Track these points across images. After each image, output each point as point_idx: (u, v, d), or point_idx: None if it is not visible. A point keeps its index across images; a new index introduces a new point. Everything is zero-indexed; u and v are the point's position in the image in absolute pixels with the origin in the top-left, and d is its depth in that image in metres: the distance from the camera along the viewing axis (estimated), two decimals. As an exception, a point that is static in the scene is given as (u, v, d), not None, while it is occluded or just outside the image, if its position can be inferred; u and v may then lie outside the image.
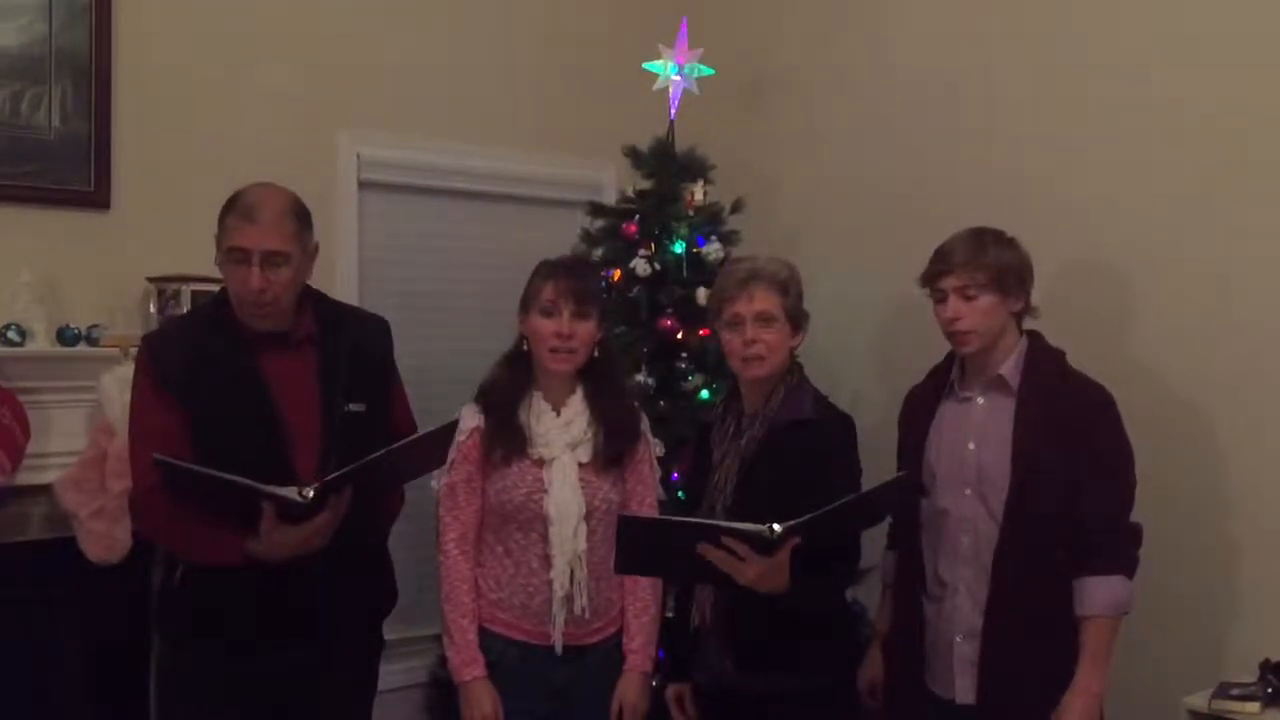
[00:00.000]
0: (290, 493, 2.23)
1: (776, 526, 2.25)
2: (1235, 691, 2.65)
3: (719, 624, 2.61)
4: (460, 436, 2.62)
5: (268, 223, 2.38)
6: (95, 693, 3.29)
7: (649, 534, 2.44)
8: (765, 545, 2.28)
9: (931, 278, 2.60)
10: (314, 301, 2.56)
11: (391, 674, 2.73)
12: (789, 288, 2.64)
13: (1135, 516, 2.54)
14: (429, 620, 2.81)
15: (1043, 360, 2.59)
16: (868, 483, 2.56)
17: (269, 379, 2.43)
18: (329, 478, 2.27)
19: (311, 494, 2.23)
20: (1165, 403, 3.04)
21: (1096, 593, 2.47)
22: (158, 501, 2.36)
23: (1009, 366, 2.58)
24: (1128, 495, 2.53)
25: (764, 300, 2.60)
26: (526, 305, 2.68)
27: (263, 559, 2.31)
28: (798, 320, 2.66)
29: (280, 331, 2.47)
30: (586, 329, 2.65)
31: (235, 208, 2.41)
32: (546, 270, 2.69)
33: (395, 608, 2.70)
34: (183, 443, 2.34)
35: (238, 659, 2.42)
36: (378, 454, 2.30)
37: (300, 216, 2.46)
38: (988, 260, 2.54)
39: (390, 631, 2.76)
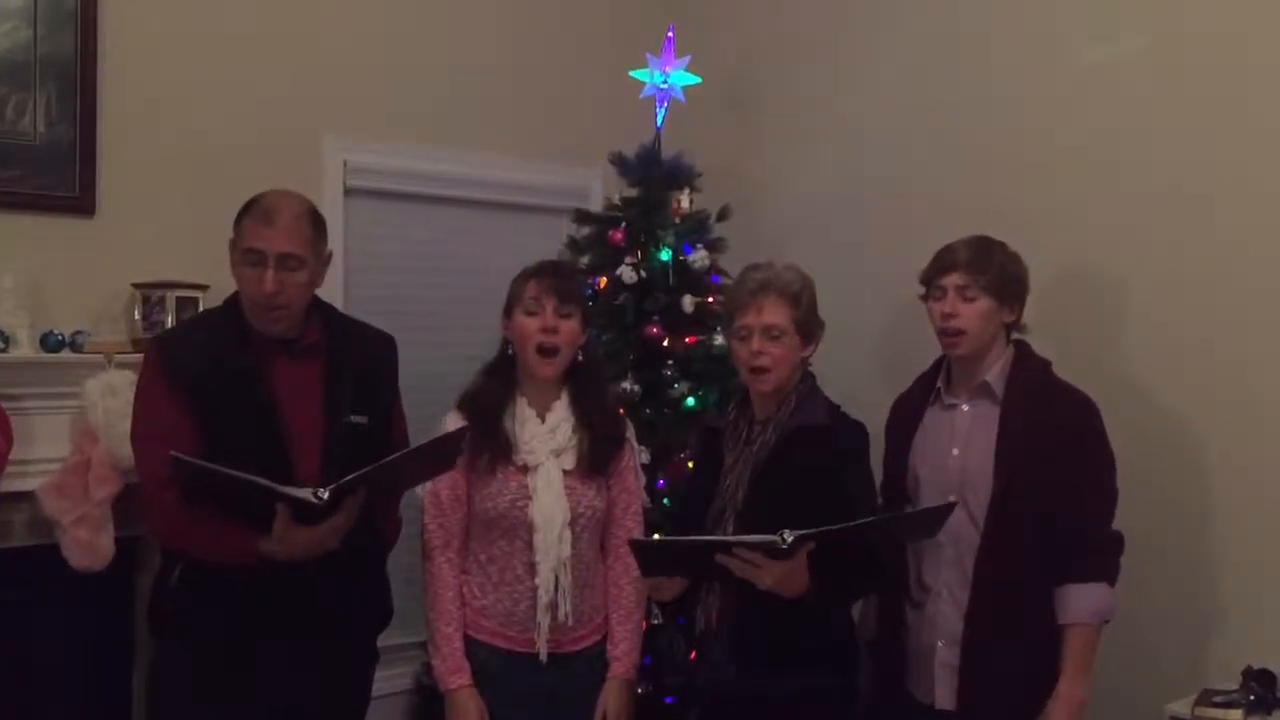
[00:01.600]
0: (306, 494, 2.24)
1: (788, 535, 2.25)
2: (1218, 698, 2.66)
3: (726, 628, 2.59)
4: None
5: (285, 226, 2.41)
6: (78, 700, 3.27)
7: (663, 551, 2.46)
8: (779, 553, 2.29)
9: (934, 274, 2.62)
10: (322, 312, 2.57)
11: (377, 681, 2.72)
12: (801, 299, 2.61)
13: (1120, 524, 2.56)
14: (414, 627, 2.81)
15: (1028, 369, 2.60)
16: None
17: (274, 384, 2.44)
18: (344, 480, 2.26)
19: (326, 495, 2.24)
20: (1150, 411, 3.05)
21: (1079, 601, 2.49)
22: (169, 499, 2.36)
23: (995, 374, 2.59)
24: (1110, 503, 2.55)
25: (772, 313, 2.58)
26: (510, 308, 2.68)
27: (274, 559, 2.31)
28: (809, 331, 2.63)
29: (288, 338, 2.47)
30: (570, 327, 2.65)
31: (253, 211, 2.43)
32: (528, 272, 2.71)
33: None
34: (190, 442, 2.34)
35: (230, 661, 2.41)
36: (393, 457, 2.32)
37: (316, 223, 2.49)
38: (993, 264, 2.57)
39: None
